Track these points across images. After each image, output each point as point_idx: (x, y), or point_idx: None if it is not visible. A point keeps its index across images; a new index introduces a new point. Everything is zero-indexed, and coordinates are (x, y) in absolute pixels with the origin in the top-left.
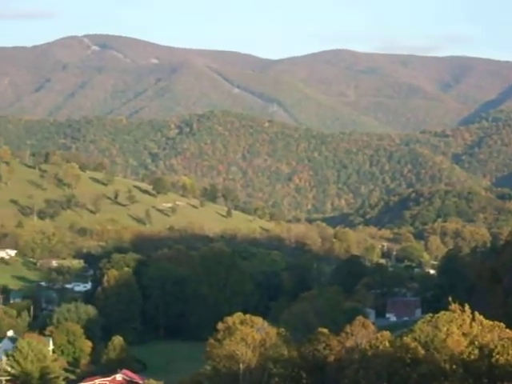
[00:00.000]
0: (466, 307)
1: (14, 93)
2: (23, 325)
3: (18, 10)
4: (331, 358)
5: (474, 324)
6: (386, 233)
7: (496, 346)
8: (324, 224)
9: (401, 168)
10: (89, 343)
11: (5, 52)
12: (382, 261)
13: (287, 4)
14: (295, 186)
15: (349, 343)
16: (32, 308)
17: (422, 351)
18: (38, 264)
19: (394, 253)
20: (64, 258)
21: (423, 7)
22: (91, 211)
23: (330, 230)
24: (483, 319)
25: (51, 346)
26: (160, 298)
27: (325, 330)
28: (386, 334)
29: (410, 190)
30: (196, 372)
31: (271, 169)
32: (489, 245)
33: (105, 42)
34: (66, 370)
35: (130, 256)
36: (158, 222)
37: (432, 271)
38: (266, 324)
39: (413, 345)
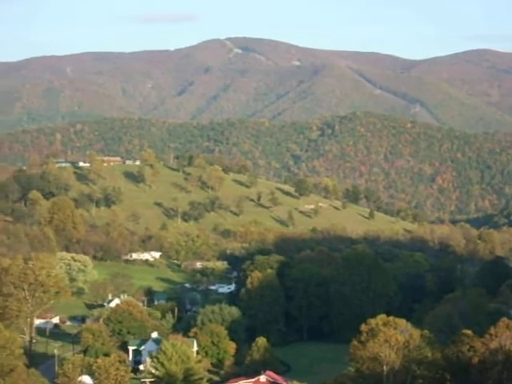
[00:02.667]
0: None
1: (157, 96)
2: (167, 326)
3: (162, 14)
4: (475, 360)
5: None
6: None
7: None
8: (468, 225)
9: None
10: (233, 344)
11: (148, 55)
12: None
13: (429, 4)
14: (438, 187)
15: (493, 345)
16: (176, 310)
17: None
18: (183, 266)
19: None
20: (208, 260)
21: None
22: (234, 213)
23: (474, 232)
24: None
25: (195, 348)
26: (303, 300)
27: (469, 332)
28: None
29: None
30: (339, 374)
31: (414, 170)
32: None
33: (247, 45)
34: (209, 371)
35: (273, 257)
36: (301, 223)
37: None
38: (409, 326)
39: None
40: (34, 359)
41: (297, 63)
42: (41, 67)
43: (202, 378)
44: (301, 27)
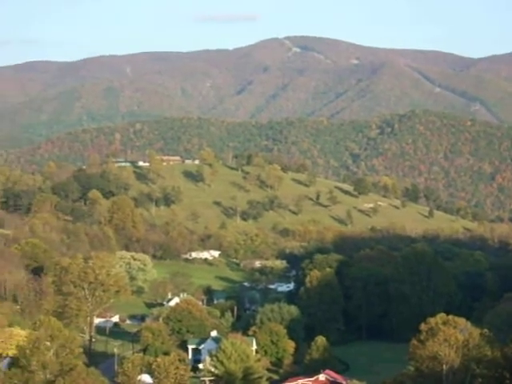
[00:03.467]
0: None
1: (216, 96)
2: (227, 325)
3: (221, 14)
4: None
5: None
6: None
7: None
8: None
9: None
10: (292, 343)
11: (208, 55)
12: None
13: (487, 2)
14: (498, 186)
15: None
16: (235, 308)
17: None
18: (242, 265)
19: None
20: (267, 259)
21: None
22: (293, 212)
23: None
24: None
25: (254, 346)
26: (362, 299)
27: None
28: None
29: None
30: (399, 373)
31: (473, 168)
32: None
33: (306, 44)
34: (269, 370)
35: (331, 256)
36: (360, 222)
37: None
38: (468, 325)
39: None
40: (94, 358)
41: (355, 62)
42: (100, 67)
43: (261, 377)
44: (360, 25)
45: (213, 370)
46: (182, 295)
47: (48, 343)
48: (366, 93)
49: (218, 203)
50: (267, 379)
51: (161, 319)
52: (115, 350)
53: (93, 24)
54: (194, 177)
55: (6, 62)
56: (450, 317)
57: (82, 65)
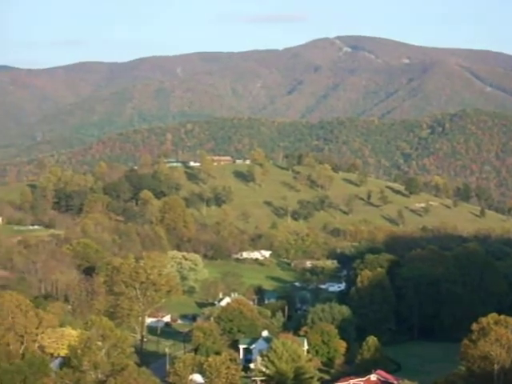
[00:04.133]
0: None
1: (266, 96)
2: (278, 325)
3: (272, 14)
4: None
5: None
6: None
7: None
8: None
9: None
10: (343, 343)
11: (258, 55)
12: None
13: None
14: None
15: None
16: (286, 308)
17: None
18: (292, 264)
19: None
20: (318, 259)
21: None
22: (344, 212)
23: None
24: None
25: (306, 347)
26: (414, 299)
27: None
28: None
29: None
30: (450, 373)
31: None
32: None
33: (356, 43)
34: (320, 370)
35: (383, 256)
36: (411, 222)
37: None
38: None
39: None
40: (145, 358)
41: (406, 61)
42: (151, 68)
43: (312, 377)
44: (410, 25)
45: (264, 369)
46: (233, 295)
47: (99, 343)
48: (416, 92)
49: (268, 203)
50: (318, 379)
51: (212, 319)
52: (166, 350)
53: (145, 25)
54: (244, 177)
55: (58, 63)
56: (502, 317)
57: (134, 65)
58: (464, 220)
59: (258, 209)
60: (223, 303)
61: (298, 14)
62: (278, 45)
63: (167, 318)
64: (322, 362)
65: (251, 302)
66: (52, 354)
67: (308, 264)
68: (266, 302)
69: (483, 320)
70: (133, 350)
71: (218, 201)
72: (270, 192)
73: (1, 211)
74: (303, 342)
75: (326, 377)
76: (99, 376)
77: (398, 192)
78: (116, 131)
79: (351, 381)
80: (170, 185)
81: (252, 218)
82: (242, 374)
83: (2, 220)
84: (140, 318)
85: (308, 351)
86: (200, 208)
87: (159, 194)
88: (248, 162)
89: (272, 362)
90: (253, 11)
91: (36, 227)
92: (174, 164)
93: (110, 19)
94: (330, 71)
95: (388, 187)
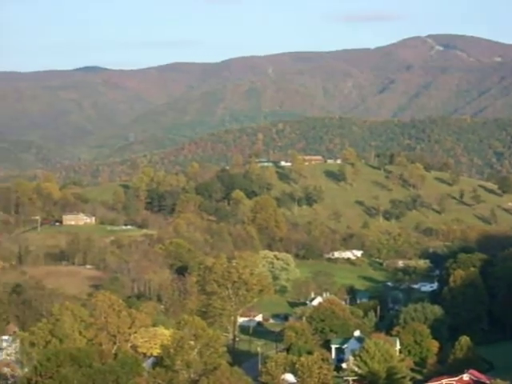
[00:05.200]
0: None
1: (358, 95)
2: (370, 325)
3: (362, 13)
4: None
5: None
6: None
7: None
8: None
9: None
10: (435, 343)
11: (349, 54)
12: None
13: None
14: None
15: None
16: (379, 308)
17: None
18: (384, 264)
19: None
20: (410, 258)
21: None
22: (436, 211)
23: None
24: None
25: (398, 346)
26: (506, 298)
27: None
28: None
29: None
30: None
31: None
32: None
33: (448, 42)
34: (412, 370)
35: (475, 256)
36: (504, 221)
37: None
38: None
39: None
40: (238, 357)
41: (498, 59)
42: (242, 68)
43: (404, 377)
44: (502, 23)
45: (356, 369)
46: (324, 295)
47: (192, 342)
48: (509, 91)
49: (360, 202)
50: (411, 379)
51: (304, 318)
52: (258, 349)
53: (235, 25)
54: (335, 176)
55: (151, 64)
56: None
57: (225, 66)
58: None
59: (350, 208)
60: (315, 303)
61: (391, 13)
62: (370, 44)
63: (259, 318)
64: (414, 362)
65: (343, 302)
66: (145, 354)
67: (400, 264)
68: (358, 301)
69: None
70: (225, 349)
71: (310, 200)
72: (362, 191)
73: (94, 211)
74: (395, 342)
75: (419, 377)
76: (192, 375)
77: (490, 191)
78: (208, 131)
79: (444, 380)
80: (261, 184)
81: (343, 217)
82: (334, 373)
83: (95, 220)
84: (232, 318)
85: (400, 351)
86: (291, 208)
87: (251, 194)
88: (339, 161)
89: (364, 362)
90: (345, 10)
91: (129, 227)
92: (266, 164)
93: (202, 20)
94: (421, 70)
95: (481, 186)
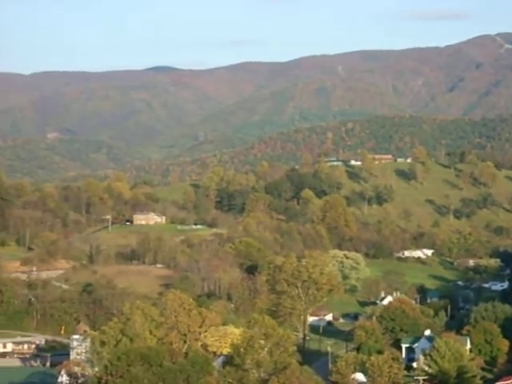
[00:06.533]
0: None
1: (428, 93)
2: (440, 324)
3: (432, 11)
4: None
5: None
6: None
7: None
8: None
9: None
10: (506, 342)
11: (418, 53)
12: None
13: None
14: None
15: None
16: (449, 307)
17: None
18: (455, 263)
19: None
20: (480, 257)
21: None
22: (507, 210)
23: None
24: None
25: (468, 346)
26: None
27: None
28: None
29: None
30: None
31: None
32: None
33: None
34: (483, 369)
35: None
36: None
37: None
38: None
39: None
40: (308, 357)
41: None
42: (312, 67)
43: (475, 376)
44: None
45: (426, 368)
46: (395, 294)
47: (262, 341)
48: None
49: (430, 201)
50: (481, 378)
51: (374, 318)
52: (328, 349)
53: (304, 24)
54: (406, 175)
55: (220, 63)
56: None
57: (294, 65)
58: None
59: (420, 207)
60: (385, 302)
61: (460, 12)
62: (439, 42)
63: (329, 317)
64: (484, 361)
65: (413, 301)
66: (215, 353)
67: (471, 263)
68: (429, 300)
69: None
70: (295, 348)
71: (380, 199)
72: (432, 190)
73: (164, 211)
74: (466, 341)
75: (489, 376)
76: (262, 374)
77: None
78: (277, 130)
79: None
80: (331, 184)
81: (414, 216)
82: (405, 373)
83: (166, 219)
84: (302, 317)
85: (471, 350)
86: (361, 207)
87: (320, 193)
88: (409, 160)
89: (435, 361)
90: (414, 9)
91: (199, 226)
92: (335, 163)
93: (271, 19)
94: (491, 68)
95: None
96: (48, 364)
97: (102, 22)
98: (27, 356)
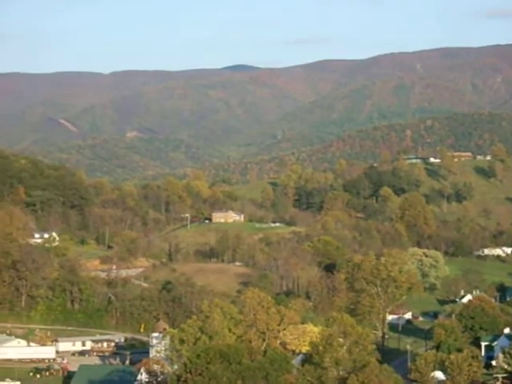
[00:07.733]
0: None
1: (507, 90)
2: None
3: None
4: None
5: None
6: None
7: None
8: None
9: None
10: None
11: (498, 50)
12: None
13: None
14: None
15: None
16: None
17: None
18: None
19: None
20: None
21: None
22: None
23: None
24: None
25: None
26: None
27: None
28: None
29: None
30: None
31: None
32: None
33: None
34: None
35: None
36: None
37: None
38: None
39: None
40: (387, 355)
41: None
42: (390, 64)
43: None
44: None
45: (506, 366)
46: (474, 292)
47: (341, 340)
48: None
49: (510, 199)
50: None
51: (454, 316)
52: (408, 347)
53: (383, 21)
54: (485, 173)
55: (298, 62)
56: None
57: (373, 63)
58: None
59: (500, 205)
60: (465, 300)
61: None
62: None
63: (408, 315)
64: None
65: (493, 299)
66: (294, 351)
67: None
68: (508, 299)
69: None
70: (374, 346)
71: (459, 197)
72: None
73: (243, 209)
74: None
75: None
76: (340, 373)
77: None
78: (355, 128)
79: None
80: (409, 181)
81: (493, 214)
82: (484, 371)
83: (244, 218)
84: (381, 315)
85: None
86: (440, 204)
87: (399, 191)
88: (489, 157)
89: None
90: (494, 6)
91: (277, 224)
92: (414, 160)
93: (350, 17)
94: None
95: None
96: (127, 362)
97: (181, 22)
98: (106, 354)
